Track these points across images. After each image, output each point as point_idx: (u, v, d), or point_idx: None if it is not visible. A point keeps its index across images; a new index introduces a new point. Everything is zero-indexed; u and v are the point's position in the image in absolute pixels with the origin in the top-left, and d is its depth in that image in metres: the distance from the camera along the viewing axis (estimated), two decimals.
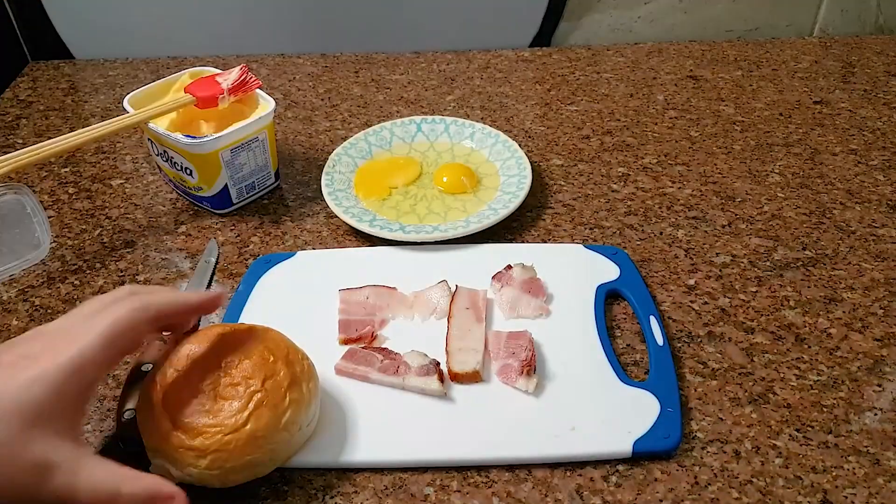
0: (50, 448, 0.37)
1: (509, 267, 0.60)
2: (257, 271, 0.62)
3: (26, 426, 0.36)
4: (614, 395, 0.51)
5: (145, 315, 0.42)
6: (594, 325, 0.56)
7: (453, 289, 0.59)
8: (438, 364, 0.52)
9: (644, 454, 0.48)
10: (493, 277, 0.60)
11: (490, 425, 0.50)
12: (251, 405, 0.43)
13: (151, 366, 0.48)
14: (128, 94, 0.69)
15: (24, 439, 0.36)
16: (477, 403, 0.51)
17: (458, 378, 0.52)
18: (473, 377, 0.52)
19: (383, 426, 0.50)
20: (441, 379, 0.51)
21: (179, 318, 0.47)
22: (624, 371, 0.53)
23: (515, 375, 0.52)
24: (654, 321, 0.56)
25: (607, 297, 0.60)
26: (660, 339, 0.55)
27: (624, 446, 0.48)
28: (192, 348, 0.46)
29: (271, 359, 0.46)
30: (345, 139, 0.76)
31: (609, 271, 0.61)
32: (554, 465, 0.48)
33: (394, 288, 0.59)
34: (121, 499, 0.38)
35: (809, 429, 0.50)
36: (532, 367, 0.52)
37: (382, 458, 0.48)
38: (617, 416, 0.50)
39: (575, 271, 0.61)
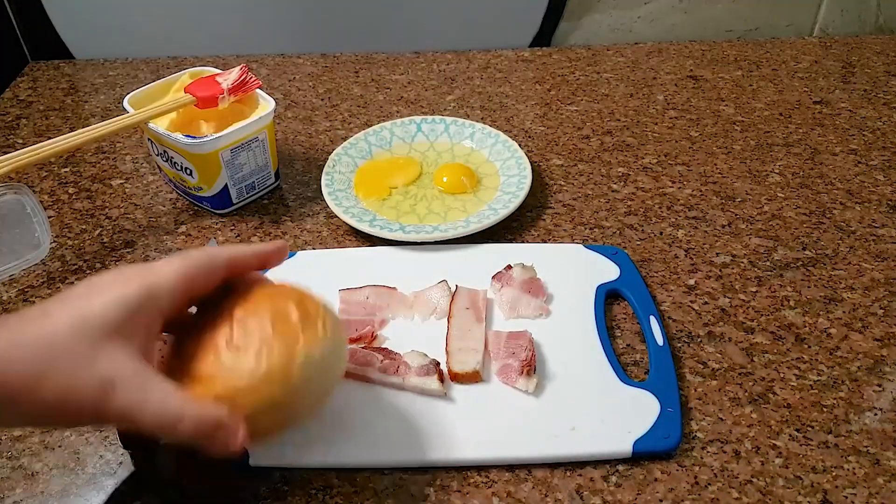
0: (119, 364, 0.37)
1: (509, 267, 0.60)
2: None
3: (97, 341, 0.37)
4: (614, 395, 0.51)
5: (219, 258, 0.43)
6: (594, 325, 0.56)
7: (453, 289, 0.59)
8: (438, 364, 0.52)
9: (644, 454, 0.48)
10: (493, 277, 0.60)
11: (490, 425, 0.50)
12: (263, 347, 0.41)
13: None
14: (128, 94, 0.69)
15: (94, 354, 0.37)
16: (477, 403, 0.51)
17: (458, 378, 0.52)
18: (473, 377, 0.52)
19: (383, 426, 0.50)
20: (441, 379, 0.51)
21: (250, 266, 0.46)
22: (624, 371, 0.53)
23: (515, 375, 0.52)
24: (654, 321, 0.56)
25: (607, 297, 0.60)
26: (660, 339, 0.55)
27: (624, 446, 0.48)
28: (201, 305, 0.44)
29: (281, 302, 0.43)
30: (345, 139, 0.76)
31: (609, 271, 0.61)
32: (554, 465, 0.48)
33: (394, 288, 0.59)
34: (185, 423, 0.38)
35: (809, 429, 0.50)
36: (532, 367, 0.52)
37: (382, 458, 0.48)
38: (617, 416, 0.50)
39: (575, 271, 0.61)
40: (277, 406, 0.41)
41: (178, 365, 0.42)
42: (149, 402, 0.37)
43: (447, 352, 0.54)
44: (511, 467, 0.48)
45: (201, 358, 0.41)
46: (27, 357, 0.36)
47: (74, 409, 0.37)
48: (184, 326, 0.44)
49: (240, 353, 0.41)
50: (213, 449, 0.39)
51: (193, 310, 0.45)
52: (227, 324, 0.42)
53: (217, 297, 0.44)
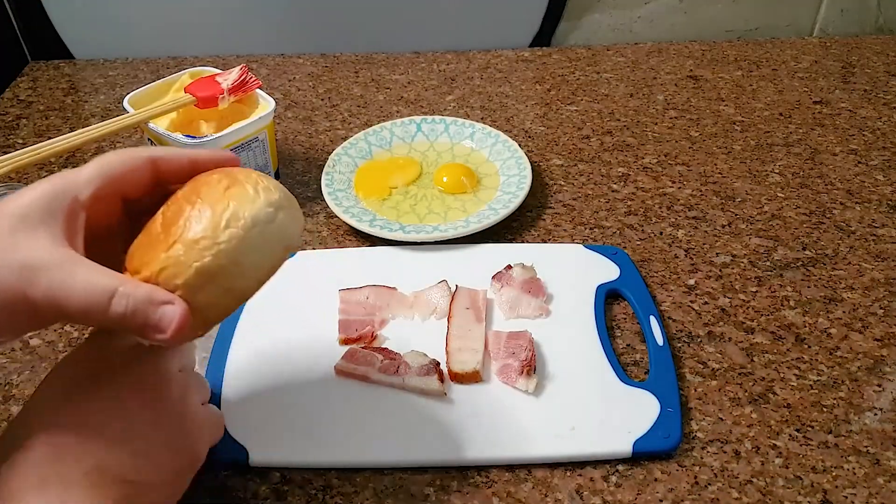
0: (39, 248, 0.35)
1: (509, 267, 0.60)
2: None
3: (13, 231, 0.35)
4: (614, 395, 0.51)
5: (141, 154, 0.40)
6: (594, 325, 0.56)
7: (453, 289, 0.59)
8: (438, 364, 0.52)
9: (644, 454, 0.48)
10: (493, 277, 0.60)
11: (490, 425, 0.50)
12: (188, 216, 0.38)
13: None
14: (128, 94, 0.69)
15: (12, 241, 0.35)
16: (477, 403, 0.51)
17: (457, 378, 0.52)
18: (473, 377, 0.52)
19: (383, 426, 0.50)
20: (441, 379, 0.51)
21: (180, 167, 0.42)
22: (624, 371, 0.53)
23: (515, 375, 0.52)
24: (654, 321, 0.56)
25: (607, 297, 0.60)
26: (660, 339, 0.55)
27: (624, 446, 0.48)
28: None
29: (211, 175, 0.40)
30: (345, 139, 0.76)
31: (609, 271, 0.61)
32: (554, 466, 0.48)
33: (394, 288, 0.59)
34: (116, 300, 0.35)
35: (809, 429, 0.50)
36: (532, 367, 0.52)
37: (382, 458, 0.48)
38: (617, 416, 0.50)
39: (575, 271, 0.61)
40: (212, 276, 0.37)
41: (123, 265, 0.40)
42: (75, 284, 0.35)
43: (447, 352, 0.54)
44: (511, 467, 0.48)
45: (136, 248, 0.39)
46: None
47: (2, 301, 0.35)
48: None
49: (168, 229, 0.38)
50: (153, 333, 0.36)
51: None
52: (161, 210, 0.40)
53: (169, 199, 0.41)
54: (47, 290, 0.35)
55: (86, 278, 0.35)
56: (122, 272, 0.39)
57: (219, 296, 0.38)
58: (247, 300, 0.39)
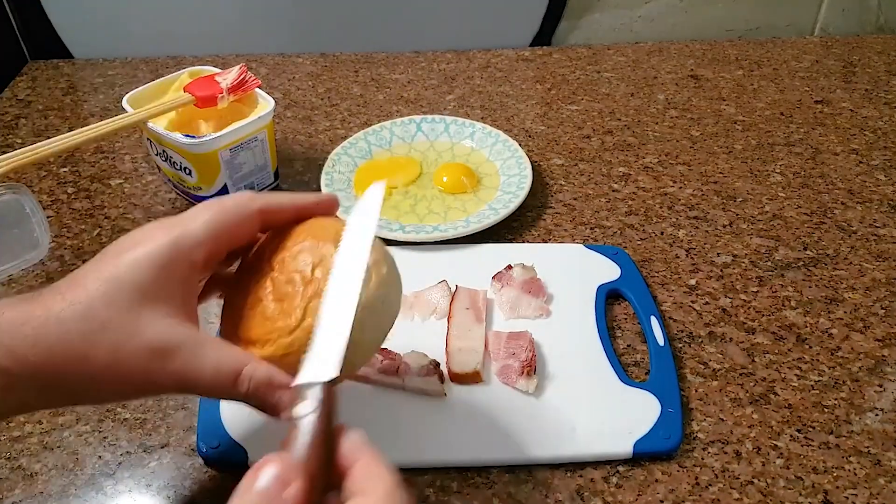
0: (166, 329, 0.35)
1: (509, 267, 0.60)
2: None
3: (133, 308, 0.35)
4: (615, 395, 0.51)
5: (251, 205, 0.39)
6: (595, 325, 0.56)
7: (453, 289, 0.58)
8: (438, 364, 0.52)
9: (645, 455, 0.48)
10: (493, 277, 0.60)
11: (490, 426, 0.49)
12: (306, 297, 0.38)
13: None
14: (127, 93, 0.68)
15: (135, 324, 0.35)
16: (477, 404, 0.51)
17: (458, 378, 0.52)
18: (473, 378, 0.52)
19: (383, 427, 0.50)
20: (441, 379, 0.51)
21: (286, 216, 0.42)
22: (625, 371, 0.53)
23: (515, 376, 0.51)
24: (654, 321, 0.56)
25: (608, 298, 0.59)
26: (661, 340, 0.55)
27: (624, 447, 0.48)
28: (241, 260, 0.42)
29: (319, 244, 0.39)
30: (344, 139, 0.76)
31: (610, 271, 0.61)
32: (554, 466, 0.48)
33: None
34: (241, 382, 0.36)
35: (810, 429, 0.50)
36: (532, 367, 0.51)
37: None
38: (617, 417, 0.50)
39: (575, 271, 0.61)
40: None
41: (230, 326, 0.40)
42: (205, 365, 0.36)
43: (447, 352, 0.54)
44: (511, 468, 0.48)
45: (249, 317, 0.39)
46: (70, 340, 0.34)
47: (126, 382, 0.36)
48: (234, 283, 0.41)
49: (283, 306, 0.38)
50: (268, 412, 0.37)
51: (236, 265, 0.42)
52: (269, 273, 0.39)
53: (263, 249, 0.41)
54: (177, 372, 0.35)
55: (214, 359, 0.36)
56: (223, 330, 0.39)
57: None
58: (354, 373, 0.40)
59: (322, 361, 0.35)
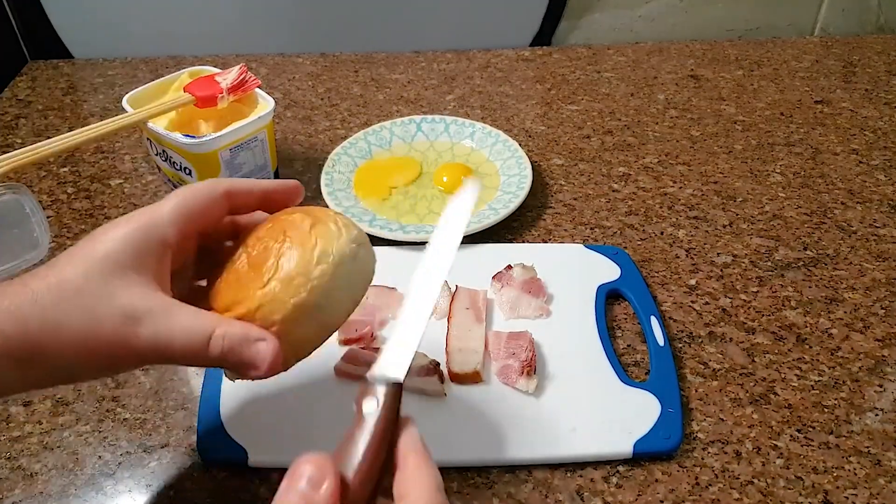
0: (136, 297, 0.37)
1: (509, 267, 0.60)
2: None
3: (106, 277, 0.36)
4: (615, 395, 0.51)
5: (217, 188, 0.41)
6: (595, 325, 0.56)
7: (453, 289, 0.58)
8: (438, 364, 0.52)
9: (645, 455, 0.48)
10: (493, 277, 0.60)
11: (490, 426, 0.49)
12: (279, 254, 0.39)
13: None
14: (127, 93, 0.69)
15: (108, 290, 0.36)
16: (477, 404, 0.51)
17: (458, 378, 0.52)
18: (473, 378, 0.52)
19: None
20: (441, 379, 0.51)
21: (252, 199, 0.43)
22: (625, 371, 0.53)
23: (515, 376, 0.51)
24: (654, 321, 0.56)
25: (608, 298, 0.59)
26: (661, 340, 0.55)
27: (624, 447, 0.48)
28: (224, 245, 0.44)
29: (291, 214, 0.42)
30: (344, 139, 0.76)
31: (610, 271, 0.61)
32: (554, 466, 0.48)
33: (393, 288, 0.59)
34: (214, 341, 0.37)
35: (810, 429, 0.50)
36: (532, 367, 0.51)
37: None
38: (617, 417, 0.50)
39: (575, 271, 0.61)
40: (307, 311, 0.39)
41: (208, 301, 0.41)
42: (175, 328, 0.37)
43: (447, 352, 0.54)
44: (511, 468, 0.48)
45: (224, 287, 0.41)
46: (44, 308, 0.35)
47: (102, 350, 0.37)
48: (215, 270, 0.43)
49: (258, 268, 0.39)
50: (248, 370, 0.38)
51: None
52: (244, 248, 0.41)
53: (240, 239, 0.43)
54: (150, 336, 0.36)
55: (185, 322, 0.37)
56: (201, 305, 0.40)
57: (312, 330, 0.40)
58: (332, 334, 0.41)
59: (392, 362, 0.37)
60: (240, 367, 0.38)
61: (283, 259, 0.39)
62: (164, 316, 0.37)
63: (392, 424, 0.35)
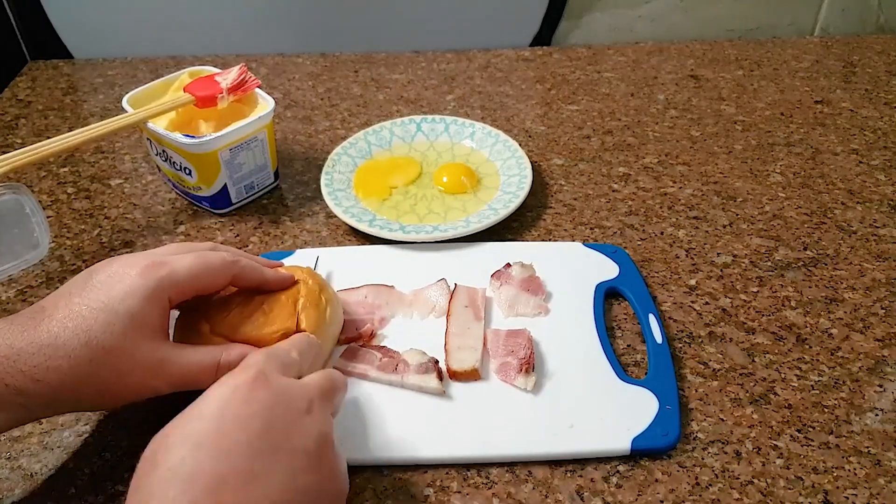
0: (154, 347, 0.44)
1: (508, 265, 0.60)
2: None
3: (129, 336, 0.42)
4: (613, 392, 0.51)
5: (230, 268, 0.48)
6: (593, 323, 0.56)
7: (452, 287, 0.58)
8: (437, 362, 0.52)
9: (642, 452, 0.48)
10: (492, 276, 0.60)
11: (488, 423, 0.49)
12: (299, 308, 0.50)
13: None
14: (127, 93, 0.69)
15: (132, 347, 0.42)
16: (475, 401, 0.51)
17: (456, 376, 0.52)
18: (472, 375, 0.52)
19: (382, 424, 0.50)
20: (440, 377, 0.51)
21: (251, 286, 0.51)
22: (623, 369, 0.53)
23: (514, 373, 0.51)
24: (653, 319, 0.56)
25: (608, 297, 0.59)
26: (658, 338, 0.55)
27: (622, 444, 0.48)
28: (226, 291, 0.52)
29: (298, 274, 0.53)
30: (344, 139, 0.76)
31: (608, 269, 0.61)
32: (554, 466, 0.48)
33: (392, 286, 0.59)
34: (221, 366, 0.45)
35: (810, 429, 0.50)
36: (531, 365, 0.51)
37: (380, 456, 0.48)
38: (615, 414, 0.50)
39: (574, 269, 0.61)
40: (322, 332, 0.51)
41: (220, 330, 0.49)
42: (191, 364, 0.45)
43: (446, 350, 0.54)
44: (511, 468, 0.48)
45: (242, 323, 0.49)
46: (77, 360, 0.41)
47: (124, 394, 0.44)
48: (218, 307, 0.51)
49: (277, 318, 0.50)
50: None
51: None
52: (258, 300, 0.51)
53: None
54: (170, 377, 0.44)
55: (196, 359, 0.45)
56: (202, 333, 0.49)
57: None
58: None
59: None
60: None
61: (301, 314, 0.50)
62: (177, 360, 0.44)
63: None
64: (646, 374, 0.53)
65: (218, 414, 0.36)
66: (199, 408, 0.37)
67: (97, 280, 0.43)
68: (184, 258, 0.46)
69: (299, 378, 0.42)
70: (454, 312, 0.56)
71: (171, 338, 0.49)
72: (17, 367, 0.40)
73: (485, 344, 0.54)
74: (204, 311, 0.50)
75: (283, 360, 0.42)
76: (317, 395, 0.40)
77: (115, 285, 0.43)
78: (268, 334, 0.48)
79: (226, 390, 0.38)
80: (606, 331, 0.56)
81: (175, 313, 0.50)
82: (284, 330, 0.49)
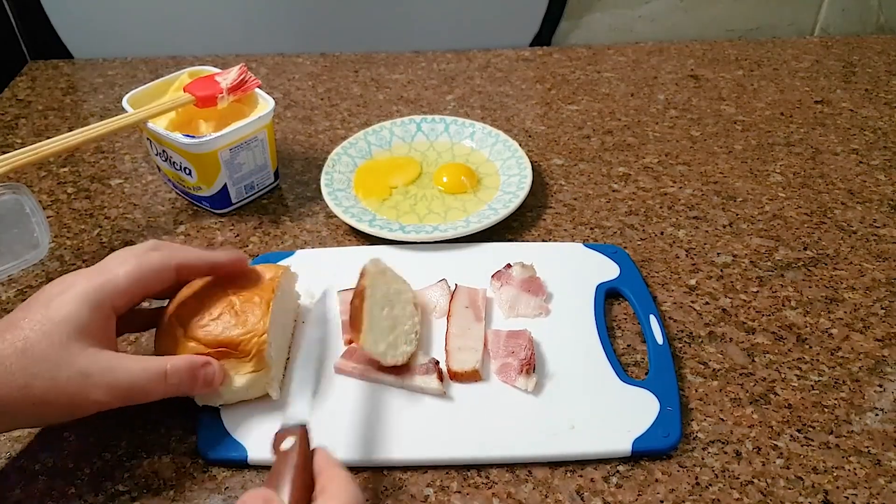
0: (94, 357, 0.43)
1: (509, 266, 0.60)
2: None
3: (65, 343, 0.42)
4: (614, 393, 0.51)
5: (170, 262, 0.48)
6: (594, 324, 0.56)
7: (452, 287, 0.58)
8: (438, 363, 0.52)
9: (643, 453, 0.48)
10: (492, 276, 0.60)
11: (489, 424, 0.49)
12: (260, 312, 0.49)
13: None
14: (127, 93, 0.69)
15: (68, 354, 0.42)
16: (476, 402, 0.51)
17: (457, 377, 0.52)
18: (473, 376, 0.52)
19: (382, 425, 0.50)
20: (440, 378, 0.51)
21: (201, 272, 0.51)
22: (624, 370, 0.53)
23: (515, 374, 0.51)
24: (653, 320, 0.56)
25: (608, 298, 0.59)
26: (659, 338, 0.55)
27: (623, 445, 0.48)
28: (191, 289, 0.51)
29: (268, 274, 0.52)
30: (344, 139, 0.76)
31: (609, 270, 0.61)
32: (554, 466, 0.48)
33: None
34: (168, 376, 0.45)
35: (810, 429, 0.50)
36: (531, 365, 0.51)
37: (381, 457, 0.48)
38: (616, 415, 0.50)
39: (575, 270, 0.61)
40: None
41: (190, 334, 0.49)
42: (133, 374, 0.44)
43: (447, 350, 0.54)
44: (511, 468, 0.48)
45: (213, 326, 0.49)
46: (13, 373, 0.41)
47: (62, 403, 0.43)
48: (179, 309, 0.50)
49: (248, 319, 0.49)
50: (203, 385, 0.46)
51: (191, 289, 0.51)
52: (228, 299, 0.50)
53: (206, 281, 0.52)
54: (106, 389, 0.43)
55: (141, 367, 0.44)
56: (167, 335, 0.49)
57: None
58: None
59: (298, 409, 0.46)
60: (196, 389, 0.46)
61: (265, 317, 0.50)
62: (121, 369, 0.44)
63: (308, 453, 0.42)
64: (646, 374, 0.53)
65: None
66: None
67: (41, 295, 0.44)
68: (124, 264, 0.46)
69: None
70: (455, 313, 0.56)
71: (154, 347, 0.50)
72: None
73: (485, 345, 0.54)
74: (178, 316, 0.50)
75: None
76: None
77: (55, 297, 0.44)
78: (237, 336, 0.48)
79: None
80: (607, 331, 0.56)
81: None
82: (254, 332, 0.48)
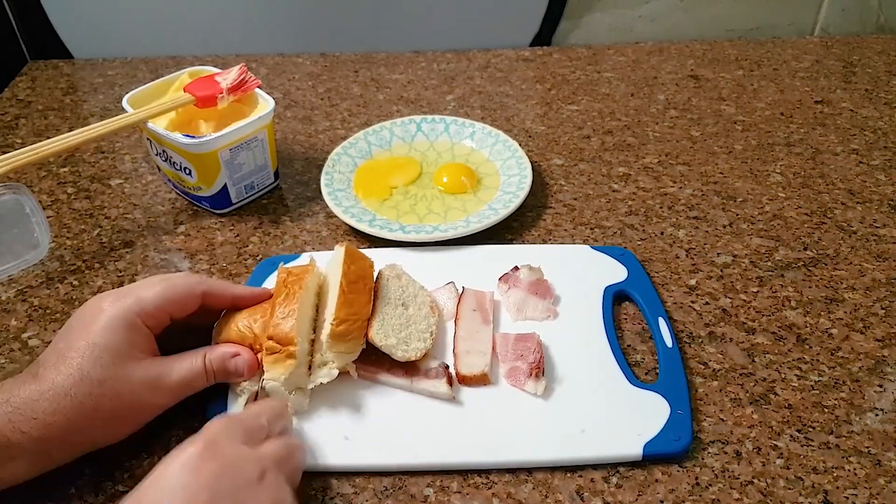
0: (145, 366, 0.47)
1: (516, 268, 0.59)
2: (263, 273, 0.62)
3: (118, 365, 0.45)
4: (624, 397, 0.51)
5: (197, 288, 0.51)
6: (602, 326, 0.56)
7: (460, 290, 0.58)
8: (447, 367, 0.52)
9: (654, 457, 0.48)
10: (499, 279, 0.59)
11: (499, 428, 0.49)
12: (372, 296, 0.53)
13: None
14: (127, 93, 0.69)
15: (124, 374, 0.45)
16: (485, 406, 0.51)
17: (466, 381, 0.52)
18: (481, 380, 0.52)
19: (391, 429, 0.49)
20: (450, 382, 0.51)
21: (223, 302, 0.53)
22: (633, 373, 0.53)
23: (524, 378, 0.51)
24: (662, 323, 0.56)
25: (615, 299, 0.59)
26: (669, 341, 0.55)
27: (634, 449, 0.47)
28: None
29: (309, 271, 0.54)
30: (344, 139, 0.76)
31: (617, 272, 0.61)
32: (554, 466, 0.48)
33: None
34: (207, 365, 0.48)
35: (810, 429, 0.50)
36: (540, 369, 0.51)
37: (390, 462, 0.48)
38: (627, 419, 0.49)
39: (582, 273, 0.61)
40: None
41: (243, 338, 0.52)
42: (181, 374, 0.48)
43: (455, 354, 0.53)
44: (511, 468, 0.48)
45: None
46: (75, 398, 0.44)
47: (133, 414, 0.47)
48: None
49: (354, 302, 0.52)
50: (235, 378, 0.50)
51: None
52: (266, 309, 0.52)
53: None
54: (169, 388, 0.47)
55: (187, 365, 0.48)
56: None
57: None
58: None
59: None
60: (230, 377, 0.50)
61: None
62: (170, 372, 0.47)
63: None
64: (656, 377, 0.53)
65: (170, 486, 0.38)
66: (156, 479, 0.39)
67: (73, 324, 0.47)
68: (152, 286, 0.49)
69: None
70: (462, 316, 0.56)
71: (212, 338, 0.53)
72: (28, 416, 0.43)
73: (494, 348, 0.54)
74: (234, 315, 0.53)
75: (247, 425, 0.43)
76: (271, 464, 0.41)
77: (90, 324, 0.46)
78: (345, 316, 0.50)
79: (177, 463, 0.39)
80: (615, 334, 0.56)
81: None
82: (361, 315, 0.51)
